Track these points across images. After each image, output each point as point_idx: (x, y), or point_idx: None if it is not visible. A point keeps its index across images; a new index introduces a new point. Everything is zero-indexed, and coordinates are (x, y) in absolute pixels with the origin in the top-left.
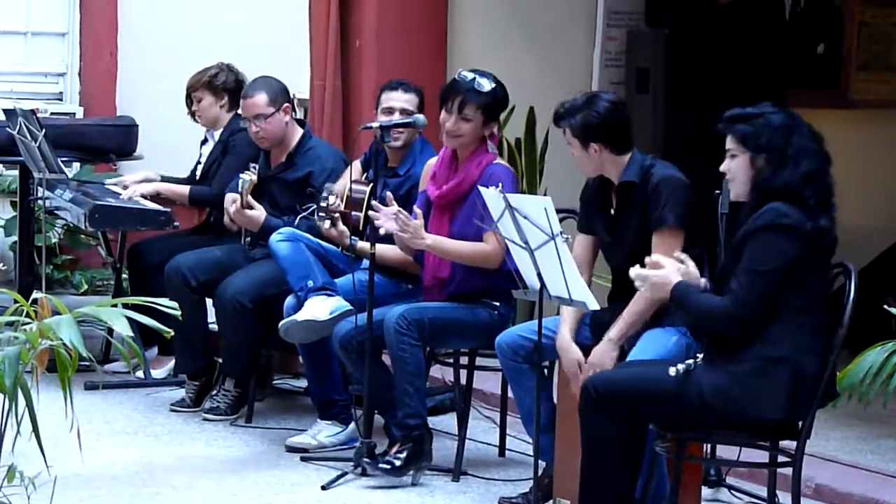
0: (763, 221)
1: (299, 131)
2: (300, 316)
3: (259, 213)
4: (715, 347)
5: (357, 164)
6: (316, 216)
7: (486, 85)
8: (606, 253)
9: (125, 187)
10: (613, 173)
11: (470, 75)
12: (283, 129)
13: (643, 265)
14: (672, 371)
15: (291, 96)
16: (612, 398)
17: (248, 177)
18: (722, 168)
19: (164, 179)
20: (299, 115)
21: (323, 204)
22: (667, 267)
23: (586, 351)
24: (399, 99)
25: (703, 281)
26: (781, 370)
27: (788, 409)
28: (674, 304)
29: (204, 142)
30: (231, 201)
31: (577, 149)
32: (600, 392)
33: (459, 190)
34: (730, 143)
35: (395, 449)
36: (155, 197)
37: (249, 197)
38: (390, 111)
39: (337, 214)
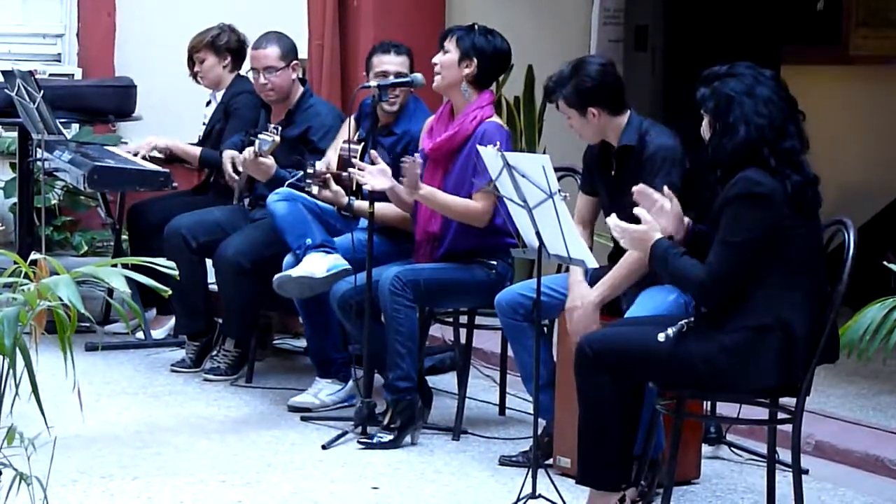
0: (736, 191)
1: (300, 89)
2: (296, 271)
3: (271, 163)
4: (703, 315)
5: (351, 121)
6: (304, 182)
7: (467, 24)
8: (607, 214)
9: (135, 154)
10: (613, 136)
11: None
12: (290, 86)
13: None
14: (661, 337)
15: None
16: (607, 357)
17: (271, 137)
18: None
19: None
20: (298, 74)
21: (310, 170)
22: (649, 223)
23: None
24: (392, 62)
25: (686, 220)
26: (771, 337)
27: (781, 376)
28: (651, 263)
29: (208, 103)
30: (229, 158)
31: (575, 118)
32: (595, 351)
33: (453, 142)
34: None
35: (387, 419)
36: (160, 159)
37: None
38: (384, 75)
39: (328, 176)
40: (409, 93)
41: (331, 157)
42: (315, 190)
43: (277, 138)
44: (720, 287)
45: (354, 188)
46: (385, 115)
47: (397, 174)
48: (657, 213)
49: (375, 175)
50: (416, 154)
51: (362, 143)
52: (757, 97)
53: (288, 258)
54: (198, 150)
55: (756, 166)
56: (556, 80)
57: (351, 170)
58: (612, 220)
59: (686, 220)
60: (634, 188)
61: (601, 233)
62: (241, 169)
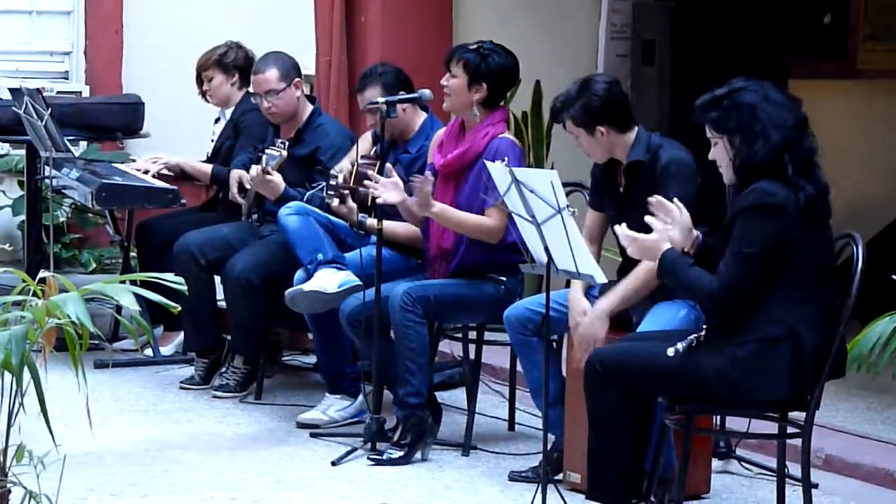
0: (748, 202)
1: (309, 107)
2: (307, 286)
3: (280, 181)
4: (713, 327)
5: (368, 136)
6: (325, 193)
7: (474, 45)
8: (615, 231)
9: (145, 172)
10: (621, 153)
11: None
12: (295, 105)
13: None
14: (671, 351)
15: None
16: (616, 373)
17: (278, 152)
18: (710, 157)
19: None
20: (305, 90)
21: (332, 182)
22: (660, 232)
23: None
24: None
25: (695, 233)
26: (781, 350)
27: (792, 388)
28: (660, 273)
29: (217, 120)
30: (237, 179)
31: (583, 137)
32: (605, 366)
33: (464, 159)
34: (707, 131)
35: (397, 435)
36: (170, 177)
37: (271, 168)
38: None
39: (346, 192)
40: (424, 109)
41: (345, 166)
42: (335, 203)
43: (284, 153)
44: (731, 297)
45: (369, 204)
46: (401, 131)
47: (412, 192)
48: (671, 223)
49: (388, 188)
50: (427, 172)
51: (379, 160)
52: (774, 102)
53: (299, 273)
54: (209, 168)
55: (773, 177)
56: (563, 101)
57: (366, 182)
58: (622, 229)
59: (695, 232)
60: (651, 199)
61: (609, 248)
62: (248, 187)
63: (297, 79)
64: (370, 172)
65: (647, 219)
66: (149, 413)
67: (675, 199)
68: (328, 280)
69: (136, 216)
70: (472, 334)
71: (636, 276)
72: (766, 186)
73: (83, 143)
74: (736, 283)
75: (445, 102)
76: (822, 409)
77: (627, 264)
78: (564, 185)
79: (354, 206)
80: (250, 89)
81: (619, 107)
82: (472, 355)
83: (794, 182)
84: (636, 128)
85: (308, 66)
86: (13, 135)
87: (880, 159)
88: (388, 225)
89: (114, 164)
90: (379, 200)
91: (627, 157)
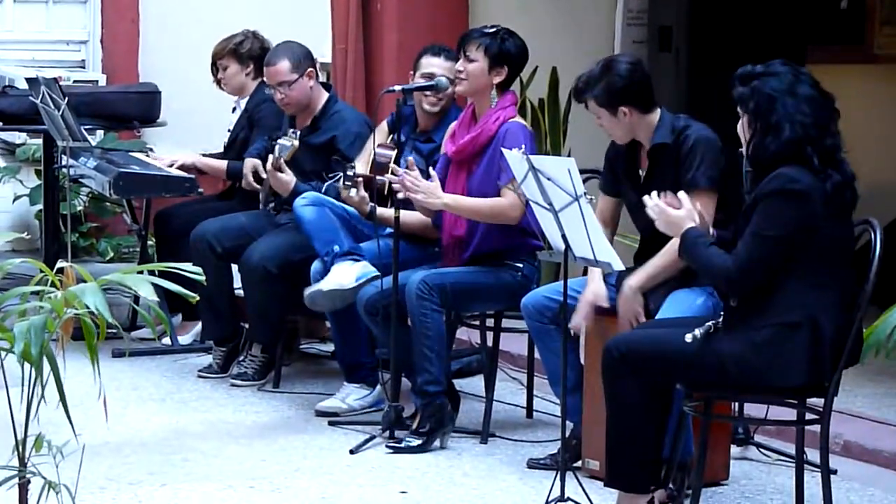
0: (773, 187)
1: (325, 95)
2: (325, 285)
3: (290, 177)
4: (732, 312)
5: (384, 125)
6: (342, 183)
7: (492, 29)
8: (634, 215)
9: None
10: (643, 135)
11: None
12: (308, 94)
13: None
14: (688, 338)
15: (315, 60)
16: (634, 359)
17: (289, 142)
18: (738, 128)
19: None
20: (322, 78)
21: (350, 172)
22: (688, 210)
23: (613, 311)
24: (440, 66)
25: (712, 232)
26: (800, 335)
27: (810, 374)
28: (681, 249)
29: (234, 110)
30: (251, 167)
31: (605, 118)
32: (623, 353)
33: (476, 144)
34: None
35: (416, 422)
36: (191, 170)
37: (282, 162)
38: (431, 77)
39: (361, 180)
40: (452, 99)
41: (360, 164)
42: (353, 192)
43: (296, 142)
44: (747, 278)
45: (386, 193)
46: (425, 118)
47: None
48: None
49: (429, 193)
50: (432, 172)
51: (396, 149)
52: (799, 95)
53: (315, 265)
54: (223, 164)
55: (798, 164)
56: (586, 80)
57: (390, 177)
58: (651, 198)
59: (712, 231)
60: (646, 202)
61: (625, 234)
62: (263, 176)
63: (309, 68)
64: (393, 167)
65: (680, 194)
66: (167, 402)
67: (698, 206)
68: (345, 274)
69: (154, 205)
70: (490, 322)
71: (664, 254)
72: (790, 173)
73: (100, 133)
74: (752, 264)
75: (460, 86)
76: (841, 395)
77: (644, 251)
78: (581, 172)
79: (366, 195)
80: (265, 79)
81: (642, 87)
82: (489, 343)
83: (821, 171)
84: (659, 109)
85: (324, 54)
86: (30, 124)
87: None
88: (403, 214)
89: (131, 153)
90: (400, 195)
91: (651, 140)
